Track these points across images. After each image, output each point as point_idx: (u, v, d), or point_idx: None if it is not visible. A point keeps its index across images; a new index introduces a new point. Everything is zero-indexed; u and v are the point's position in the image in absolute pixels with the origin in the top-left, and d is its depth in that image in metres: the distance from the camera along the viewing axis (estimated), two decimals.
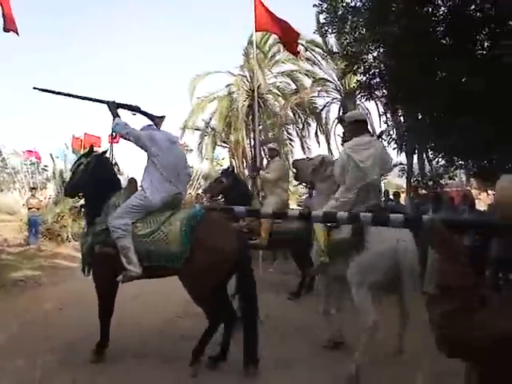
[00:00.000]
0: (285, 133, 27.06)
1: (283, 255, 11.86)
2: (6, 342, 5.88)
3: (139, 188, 5.27)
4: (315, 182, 5.93)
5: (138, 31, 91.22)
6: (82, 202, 5.91)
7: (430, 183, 12.75)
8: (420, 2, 8.88)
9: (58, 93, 5.73)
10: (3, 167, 47.16)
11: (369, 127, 5.90)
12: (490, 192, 13.39)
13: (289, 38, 12.87)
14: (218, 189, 9.25)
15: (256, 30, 13.23)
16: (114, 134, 5.69)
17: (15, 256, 13.17)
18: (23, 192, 29.03)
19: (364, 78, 10.59)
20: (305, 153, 25.66)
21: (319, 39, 21.64)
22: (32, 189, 19.40)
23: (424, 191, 12.59)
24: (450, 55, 8.72)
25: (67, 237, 16.33)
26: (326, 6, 10.01)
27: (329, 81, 24.54)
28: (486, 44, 9.28)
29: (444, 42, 9.36)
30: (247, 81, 25.43)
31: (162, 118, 5.61)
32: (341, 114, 24.09)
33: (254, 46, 14.52)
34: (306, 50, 23.57)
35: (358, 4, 9.73)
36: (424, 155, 15.50)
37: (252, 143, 25.00)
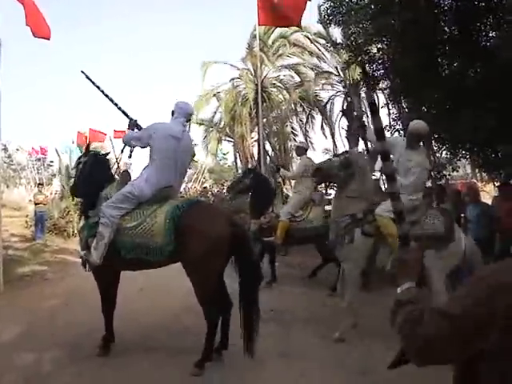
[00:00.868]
0: (288, 126, 27.06)
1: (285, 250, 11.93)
2: (14, 336, 5.96)
3: (138, 176, 5.34)
4: (338, 182, 6.01)
5: (141, 19, 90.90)
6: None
7: (434, 175, 12.70)
8: None
9: (98, 87, 5.81)
10: (9, 163, 47.53)
11: None
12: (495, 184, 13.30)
13: (292, 11, 12.42)
14: (237, 188, 9.42)
15: (259, 24, 13.19)
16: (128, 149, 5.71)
17: (22, 251, 13.24)
18: (29, 188, 29.19)
19: (368, 70, 10.58)
20: (308, 146, 25.65)
21: (323, 31, 21.56)
22: (39, 184, 19.45)
23: (429, 183, 12.55)
24: (454, 47, 8.70)
25: (73, 232, 16.36)
26: None
27: (333, 74, 24.48)
28: (490, 34, 9.23)
29: (448, 33, 9.31)
30: (251, 74, 25.38)
31: None
32: (345, 106, 24.07)
33: (258, 40, 14.50)
34: (311, 43, 23.52)
35: None
36: (429, 147, 15.42)
37: (256, 137, 24.99)
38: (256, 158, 24.44)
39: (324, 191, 9.75)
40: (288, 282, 8.90)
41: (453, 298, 1.51)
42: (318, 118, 26.27)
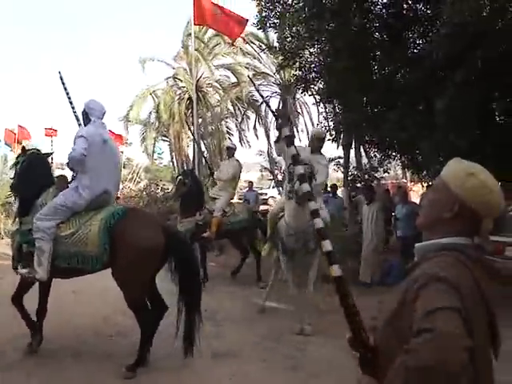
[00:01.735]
0: (224, 126, 27.12)
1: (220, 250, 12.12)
2: None
3: (69, 187, 5.17)
4: None
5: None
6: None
7: (366, 176, 13.11)
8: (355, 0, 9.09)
9: (67, 93, 5.77)
10: None
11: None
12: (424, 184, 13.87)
13: (230, 31, 12.76)
14: (182, 190, 9.44)
15: (195, 24, 13.15)
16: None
17: None
18: None
19: (300, 73, 10.79)
20: (243, 146, 25.85)
21: (259, 32, 21.73)
22: None
23: (360, 184, 12.94)
24: (385, 52, 9.01)
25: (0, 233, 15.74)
26: (262, 1, 10.13)
27: (269, 74, 24.71)
28: (418, 42, 9.63)
29: (379, 39, 9.63)
30: (187, 74, 25.25)
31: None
32: (280, 107, 24.34)
33: (193, 39, 14.46)
34: (246, 43, 23.64)
35: (295, 1, 9.84)
36: (361, 148, 15.89)
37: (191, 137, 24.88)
38: (191, 158, 24.32)
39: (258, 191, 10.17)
40: (221, 282, 8.99)
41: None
42: (253, 118, 26.49)
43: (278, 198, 22.16)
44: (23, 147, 5.95)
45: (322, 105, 14.89)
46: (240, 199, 15.59)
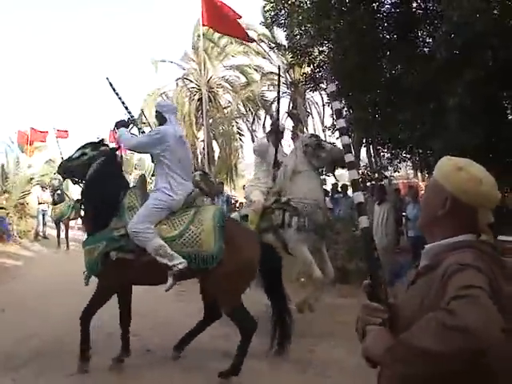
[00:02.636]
0: (235, 127, 27.11)
1: None
2: None
3: (155, 188, 5.04)
4: None
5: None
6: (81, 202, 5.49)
7: (376, 175, 13.02)
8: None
9: (117, 93, 5.76)
10: None
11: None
12: None
13: (237, 31, 12.84)
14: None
15: (203, 25, 13.18)
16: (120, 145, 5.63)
17: None
18: None
19: (309, 71, 10.78)
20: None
21: (268, 33, 21.72)
22: None
23: (370, 183, 12.88)
24: (394, 50, 8.96)
25: (13, 235, 15.84)
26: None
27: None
28: (427, 40, 9.56)
29: (388, 38, 9.58)
30: (197, 74, 25.30)
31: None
32: (291, 107, 24.31)
33: (202, 40, 14.47)
34: (257, 44, 23.63)
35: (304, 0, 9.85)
36: (371, 148, 15.83)
37: (202, 137, 24.93)
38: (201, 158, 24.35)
39: None
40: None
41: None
42: (264, 118, 26.42)
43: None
44: (101, 140, 5.54)
45: (331, 104, 14.81)
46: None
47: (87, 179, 5.16)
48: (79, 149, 5.35)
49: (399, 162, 11.49)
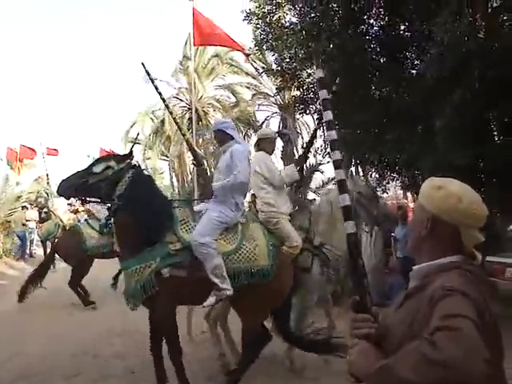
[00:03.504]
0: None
1: None
2: None
3: (216, 201, 4.82)
4: None
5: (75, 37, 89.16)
6: (107, 216, 4.94)
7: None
8: (353, 22, 9.17)
9: (153, 81, 5.45)
10: None
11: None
12: None
13: (232, 44, 12.80)
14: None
15: (194, 45, 13.21)
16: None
17: None
18: None
19: (299, 94, 10.86)
20: None
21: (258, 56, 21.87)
22: None
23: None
24: (382, 72, 9.06)
25: None
26: (259, 22, 10.26)
27: (269, 95, 24.83)
28: (415, 62, 9.69)
29: (376, 59, 9.69)
30: (187, 93, 25.41)
31: None
32: (281, 127, 24.41)
33: (192, 60, 14.57)
34: (247, 58, 23.78)
35: (291, 22, 9.96)
36: (360, 168, 15.86)
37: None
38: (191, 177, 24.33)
39: None
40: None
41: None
42: (254, 138, 26.50)
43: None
44: (130, 153, 4.90)
45: (321, 126, 14.90)
46: None
47: (121, 195, 4.56)
48: (93, 164, 4.72)
49: (387, 183, 11.53)
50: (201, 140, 23.31)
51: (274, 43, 10.40)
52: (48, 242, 15.94)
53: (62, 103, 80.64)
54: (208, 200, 4.96)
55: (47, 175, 18.69)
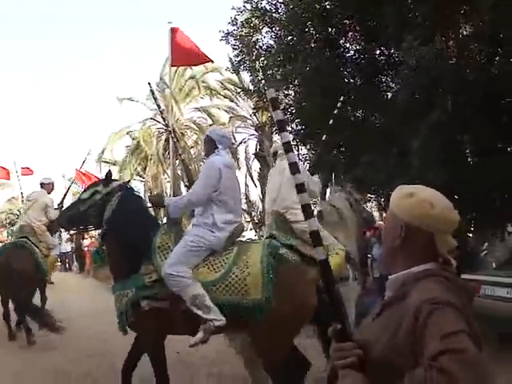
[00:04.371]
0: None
1: None
2: None
3: (195, 224, 4.40)
4: None
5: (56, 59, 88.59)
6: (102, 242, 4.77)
7: None
8: (329, 45, 9.34)
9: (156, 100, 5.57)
10: None
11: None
12: None
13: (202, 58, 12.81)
14: None
15: (172, 65, 13.24)
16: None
17: None
18: None
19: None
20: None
21: (235, 77, 22.10)
22: None
23: None
24: (357, 95, 9.20)
25: None
26: (236, 43, 10.37)
27: (246, 117, 25.00)
28: (390, 84, 9.88)
29: (352, 81, 9.85)
30: (162, 116, 25.44)
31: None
32: (257, 149, 24.55)
33: (170, 81, 14.61)
34: (224, 89, 24.03)
35: (269, 44, 10.09)
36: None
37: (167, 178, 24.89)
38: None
39: None
40: None
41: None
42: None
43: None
44: (108, 175, 4.70)
45: (297, 147, 15.05)
46: None
47: (108, 220, 4.42)
48: (85, 190, 4.69)
49: (364, 203, 11.63)
50: (177, 161, 23.30)
51: (251, 64, 10.48)
52: None
53: (37, 123, 79.57)
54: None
55: (22, 194, 18.42)
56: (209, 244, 4.19)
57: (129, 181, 5.12)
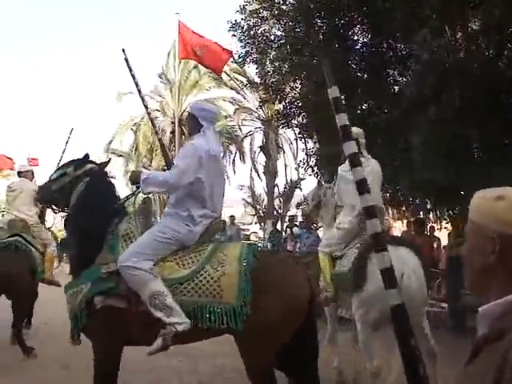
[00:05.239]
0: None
1: None
2: None
3: (168, 214, 3.82)
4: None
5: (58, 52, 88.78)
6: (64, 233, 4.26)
7: None
8: (337, 37, 9.28)
9: (131, 70, 4.48)
10: None
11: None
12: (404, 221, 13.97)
13: (215, 59, 12.75)
14: None
15: (180, 58, 13.21)
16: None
17: None
18: None
19: (281, 107, 10.92)
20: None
21: (241, 69, 21.98)
22: None
23: None
24: (364, 88, 9.14)
25: None
26: (244, 36, 10.32)
27: (252, 110, 24.85)
28: (397, 79, 9.82)
29: (359, 75, 9.79)
30: (168, 108, 25.40)
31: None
32: (263, 142, 24.44)
33: (176, 74, 14.57)
34: (230, 80, 23.88)
35: (276, 35, 10.05)
36: None
37: None
38: None
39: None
40: None
41: None
42: (235, 153, 26.50)
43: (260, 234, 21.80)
44: (85, 156, 4.20)
45: (303, 140, 14.97)
46: None
47: (71, 206, 3.93)
48: (59, 168, 4.26)
49: None
50: None
51: (257, 56, 10.44)
52: None
53: (45, 114, 79.93)
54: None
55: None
56: (180, 237, 3.60)
57: (107, 163, 4.55)
